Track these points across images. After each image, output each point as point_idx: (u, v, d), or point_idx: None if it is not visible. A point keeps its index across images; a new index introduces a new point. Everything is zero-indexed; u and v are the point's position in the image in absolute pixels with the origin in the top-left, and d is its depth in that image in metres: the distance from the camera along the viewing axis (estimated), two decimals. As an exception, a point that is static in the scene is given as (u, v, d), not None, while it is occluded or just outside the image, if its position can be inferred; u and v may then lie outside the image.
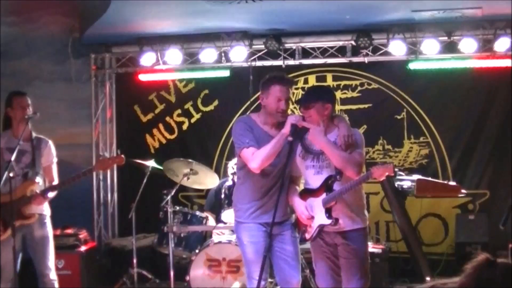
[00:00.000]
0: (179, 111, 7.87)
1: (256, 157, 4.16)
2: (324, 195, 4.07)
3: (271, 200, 4.23)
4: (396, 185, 5.94)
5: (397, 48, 6.94)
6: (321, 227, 4.11)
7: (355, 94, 7.48)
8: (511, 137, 6.95)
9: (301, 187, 4.39)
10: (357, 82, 7.49)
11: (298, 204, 4.21)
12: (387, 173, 3.90)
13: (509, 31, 6.68)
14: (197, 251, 5.92)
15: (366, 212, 4.20)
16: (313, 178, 4.14)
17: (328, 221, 4.03)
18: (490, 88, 7.17)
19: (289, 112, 4.46)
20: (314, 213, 4.14)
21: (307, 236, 4.22)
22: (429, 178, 6.14)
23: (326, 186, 4.07)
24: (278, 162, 4.21)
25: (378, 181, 5.77)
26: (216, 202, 6.49)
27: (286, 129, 4.05)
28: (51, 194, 5.00)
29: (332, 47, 7.30)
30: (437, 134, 7.30)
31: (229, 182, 6.28)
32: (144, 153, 7.34)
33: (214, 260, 5.77)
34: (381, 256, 6.34)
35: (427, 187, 5.88)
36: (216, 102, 7.80)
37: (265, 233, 4.24)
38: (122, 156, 5.10)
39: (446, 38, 6.91)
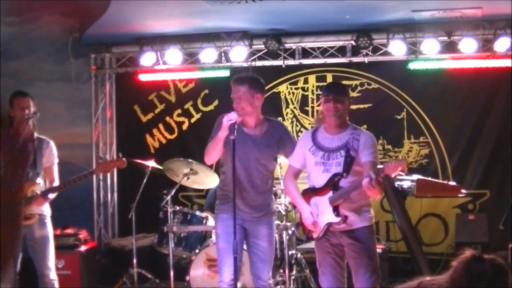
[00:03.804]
0: (179, 111, 7.87)
1: (205, 153, 4.41)
2: (330, 193, 4.06)
3: (250, 193, 4.37)
4: (396, 185, 5.94)
5: (397, 48, 6.94)
6: (329, 226, 4.10)
7: (355, 94, 7.48)
8: (511, 137, 6.95)
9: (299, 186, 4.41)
10: (357, 82, 7.50)
11: (303, 208, 4.21)
12: (400, 168, 3.84)
13: (509, 31, 6.68)
14: (197, 251, 5.92)
15: (371, 211, 4.21)
16: (321, 175, 4.14)
17: (337, 219, 4.03)
18: (490, 88, 7.17)
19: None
20: (320, 211, 4.14)
21: (314, 235, 4.21)
22: (429, 178, 6.14)
23: (332, 184, 4.06)
24: (245, 156, 4.32)
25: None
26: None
27: (223, 132, 4.18)
28: (52, 195, 4.99)
29: (332, 47, 7.30)
30: (437, 134, 7.30)
31: (229, 182, 6.28)
32: (144, 153, 7.35)
33: (214, 260, 5.75)
34: (381, 256, 6.30)
35: (427, 187, 5.87)
36: (216, 102, 7.80)
37: (240, 226, 4.32)
38: (124, 159, 5.09)
39: (446, 38, 6.91)
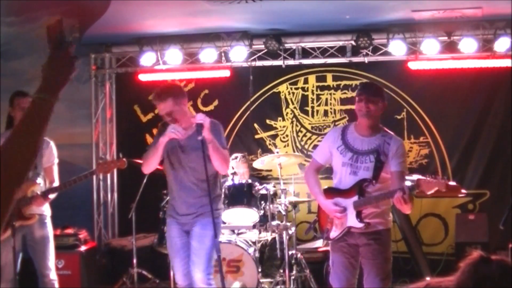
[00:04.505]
0: (179, 111, 7.86)
1: (143, 161, 4.47)
2: (355, 198, 4.03)
3: (182, 196, 4.41)
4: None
5: (397, 48, 6.94)
6: (350, 229, 4.10)
7: (355, 94, 7.46)
8: (511, 137, 6.95)
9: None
10: (357, 82, 7.48)
11: (325, 203, 4.16)
12: (436, 188, 3.77)
13: (509, 31, 6.68)
14: (197, 251, 5.91)
15: (390, 214, 4.19)
16: (348, 177, 4.11)
17: (360, 225, 4.01)
18: (490, 88, 7.17)
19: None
20: None
21: (332, 235, 4.20)
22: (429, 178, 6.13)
23: (359, 188, 4.02)
24: (176, 160, 4.39)
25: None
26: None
27: (165, 137, 4.27)
28: (52, 196, 5.00)
29: (332, 47, 7.30)
30: (437, 134, 7.30)
31: (229, 182, 6.29)
32: (144, 153, 7.33)
33: (214, 260, 5.76)
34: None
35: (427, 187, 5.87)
36: (216, 102, 7.81)
37: (180, 229, 4.43)
38: (124, 160, 5.10)
39: (446, 38, 6.91)
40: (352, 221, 4.05)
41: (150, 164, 4.46)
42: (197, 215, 4.40)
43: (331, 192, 4.22)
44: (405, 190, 3.77)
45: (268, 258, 6.67)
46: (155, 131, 7.93)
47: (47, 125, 1.91)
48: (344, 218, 4.09)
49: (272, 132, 7.67)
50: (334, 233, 4.17)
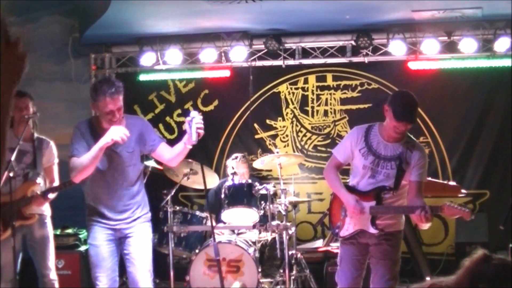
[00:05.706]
0: (179, 111, 7.86)
1: (73, 169, 4.13)
2: (372, 203, 4.02)
3: (112, 200, 4.25)
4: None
5: (397, 48, 6.94)
6: (361, 231, 4.10)
7: (355, 94, 7.48)
8: (511, 137, 6.95)
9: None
10: (357, 82, 7.49)
11: (347, 198, 4.09)
12: (459, 216, 3.82)
13: (509, 31, 6.68)
14: (197, 251, 5.92)
15: (403, 216, 4.17)
16: (366, 180, 4.10)
17: (374, 231, 4.02)
18: (490, 88, 7.17)
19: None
20: None
21: (342, 233, 4.19)
22: (429, 178, 6.14)
23: (377, 195, 4.02)
24: (116, 160, 4.22)
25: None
26: (216, 202, 6.50)
27: (107, 139, 3.97)
28: (52, 195, 4.99)
29: (332, 47, 7.30)
30: (437, 134, 7.30)
31: (229, 182, 6.29)
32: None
33: (214, 260, 5.77)
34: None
35: (427, 187, 5.88)
36: (216, 102, 7.80)
37: (108, 235, 4.27)
38: None
39: (446, 38, 6.92)
40: (365, 224, 4.05)
41: (88, 172, 4.14)
42: (132, 220, 4.30)
43: (350, 190, 4.19)
44: (427, 210, 3.78)
45: (268, 258, 6.67)
46: (155, 131, 7.96)
47: (8, 125, 1.87)
48: (363, 213, 4.07)
49: (272, 132, 7.67)
50: (344, 232, 4.17)
